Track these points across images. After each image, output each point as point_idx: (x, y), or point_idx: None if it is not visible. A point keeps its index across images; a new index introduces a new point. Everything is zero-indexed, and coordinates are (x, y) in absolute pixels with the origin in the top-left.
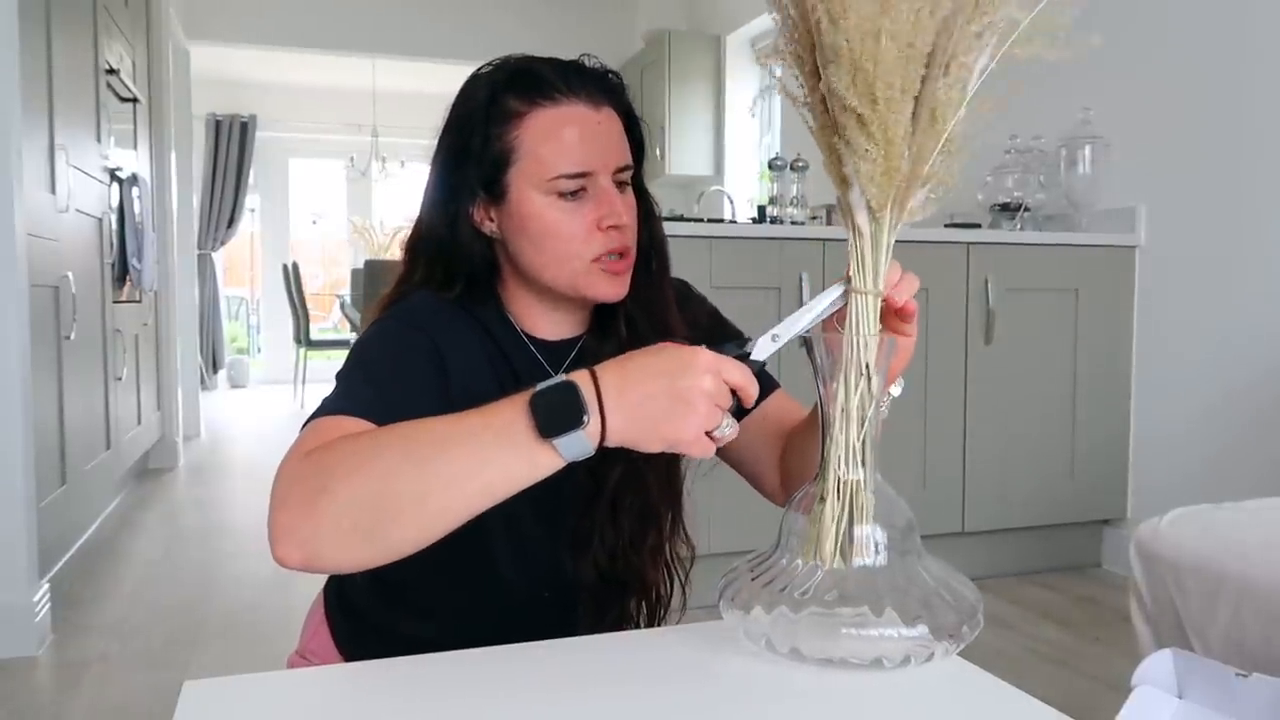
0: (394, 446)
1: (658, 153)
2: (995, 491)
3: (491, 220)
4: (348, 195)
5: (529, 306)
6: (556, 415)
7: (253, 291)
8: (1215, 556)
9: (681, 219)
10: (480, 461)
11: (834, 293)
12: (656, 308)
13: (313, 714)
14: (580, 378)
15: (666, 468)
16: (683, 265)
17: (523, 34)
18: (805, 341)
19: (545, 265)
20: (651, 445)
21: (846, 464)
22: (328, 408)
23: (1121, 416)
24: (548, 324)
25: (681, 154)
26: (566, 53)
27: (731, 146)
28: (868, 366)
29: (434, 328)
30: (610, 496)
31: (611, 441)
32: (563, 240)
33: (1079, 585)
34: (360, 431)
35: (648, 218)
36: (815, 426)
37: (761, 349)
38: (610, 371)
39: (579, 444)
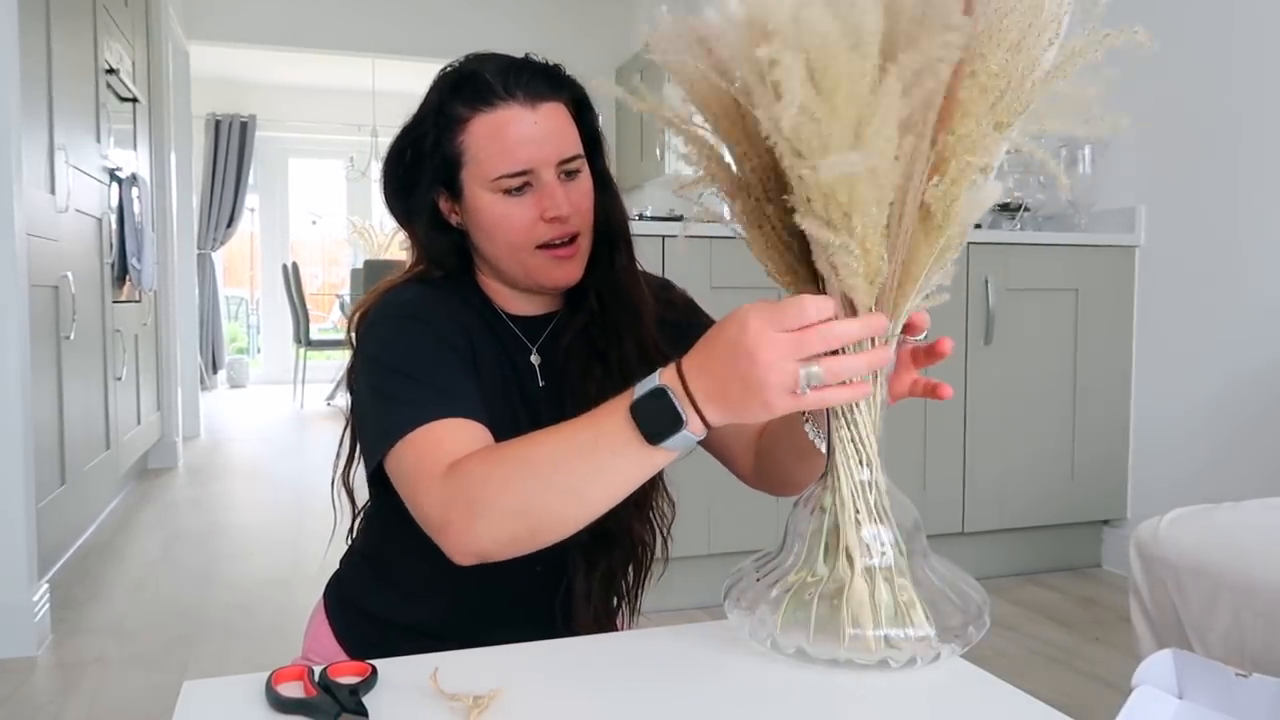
0: (525, 471)
1: (657, 153)
2: (995, 492)
3: (456, 214)
4: (347, 195)
5: (501, 290)
6: (656, 424)
7: (252, 291)
8: (1215, 556)
9: (681, 219)
10: (604, 474)
11: None
12: (624, 283)
13: None
14: (669, 379)
15: None
16: (682, 265)
17: (522, 35)
18: None
19: (499, 256)
20: (753, 419)
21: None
22: (401, 424)
23: (1121, 416)
24: (522, 304)
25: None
26: (565, 54)
27: None
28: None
29: (426, 313)
30: None
31: (716, 425)
32: (509, 231)
33: (1079, 585)
34: (478, 453)
35: (607, 200)
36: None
37: None
38: (693, 366)
39: (686, 441)
